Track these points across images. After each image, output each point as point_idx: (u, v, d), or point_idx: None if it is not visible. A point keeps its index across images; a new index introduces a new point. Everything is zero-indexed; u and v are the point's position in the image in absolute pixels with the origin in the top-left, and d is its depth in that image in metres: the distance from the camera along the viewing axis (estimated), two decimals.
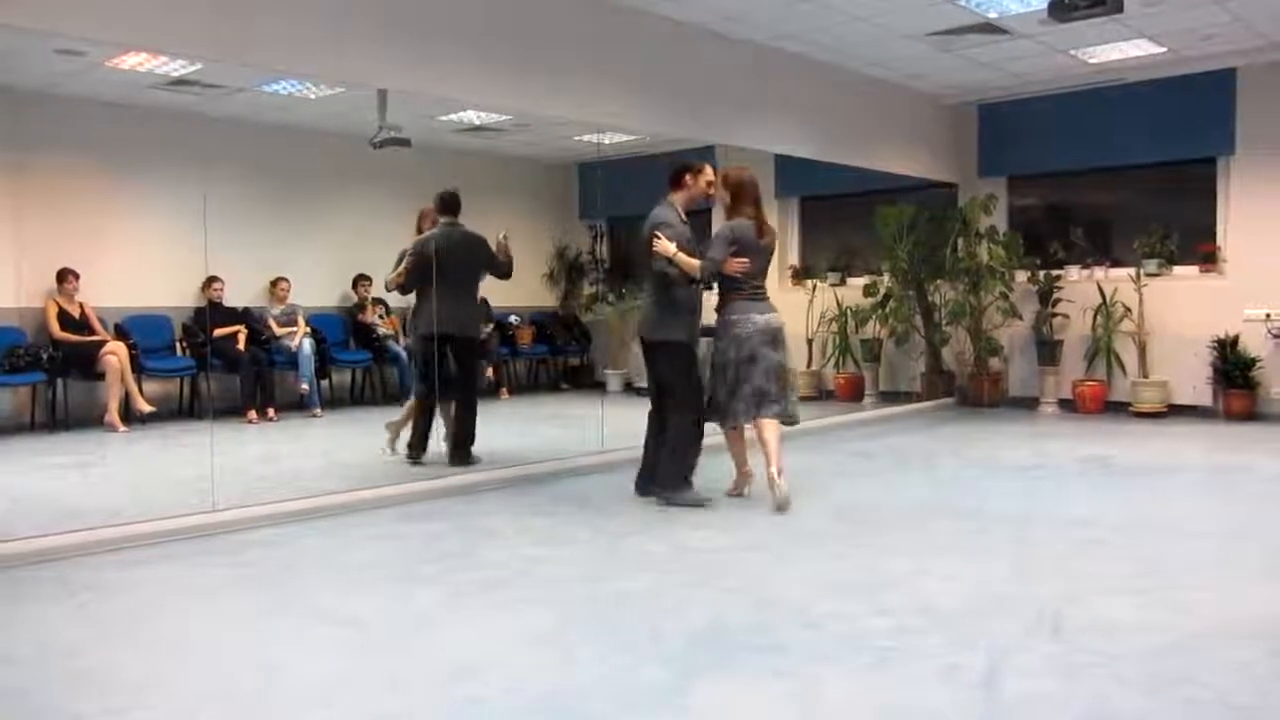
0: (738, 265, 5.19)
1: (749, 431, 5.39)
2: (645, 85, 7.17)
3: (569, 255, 12.02)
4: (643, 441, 5.60)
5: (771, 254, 5.49)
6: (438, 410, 6.60)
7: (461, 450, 6.48)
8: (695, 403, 5.39)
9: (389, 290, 6.88)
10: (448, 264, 6.36)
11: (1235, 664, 2.97)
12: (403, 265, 6.47)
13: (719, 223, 5.54)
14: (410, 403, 6.77)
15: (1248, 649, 3.09)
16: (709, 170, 5.48)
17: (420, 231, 6.64)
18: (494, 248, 6.52)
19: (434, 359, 6.39)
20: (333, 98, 8.14)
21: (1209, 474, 6.21)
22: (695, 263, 5.20)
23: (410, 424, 6.65)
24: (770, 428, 5.22)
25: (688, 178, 5.45)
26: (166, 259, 8.76)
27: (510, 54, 6.32)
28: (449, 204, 6.51)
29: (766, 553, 4.40)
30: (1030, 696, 2.77)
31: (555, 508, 5.47)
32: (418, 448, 6.56)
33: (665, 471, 5.39)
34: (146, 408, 8.21)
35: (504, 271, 6.60)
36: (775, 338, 5.30)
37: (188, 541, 4.69)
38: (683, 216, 5.42)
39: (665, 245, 5.20)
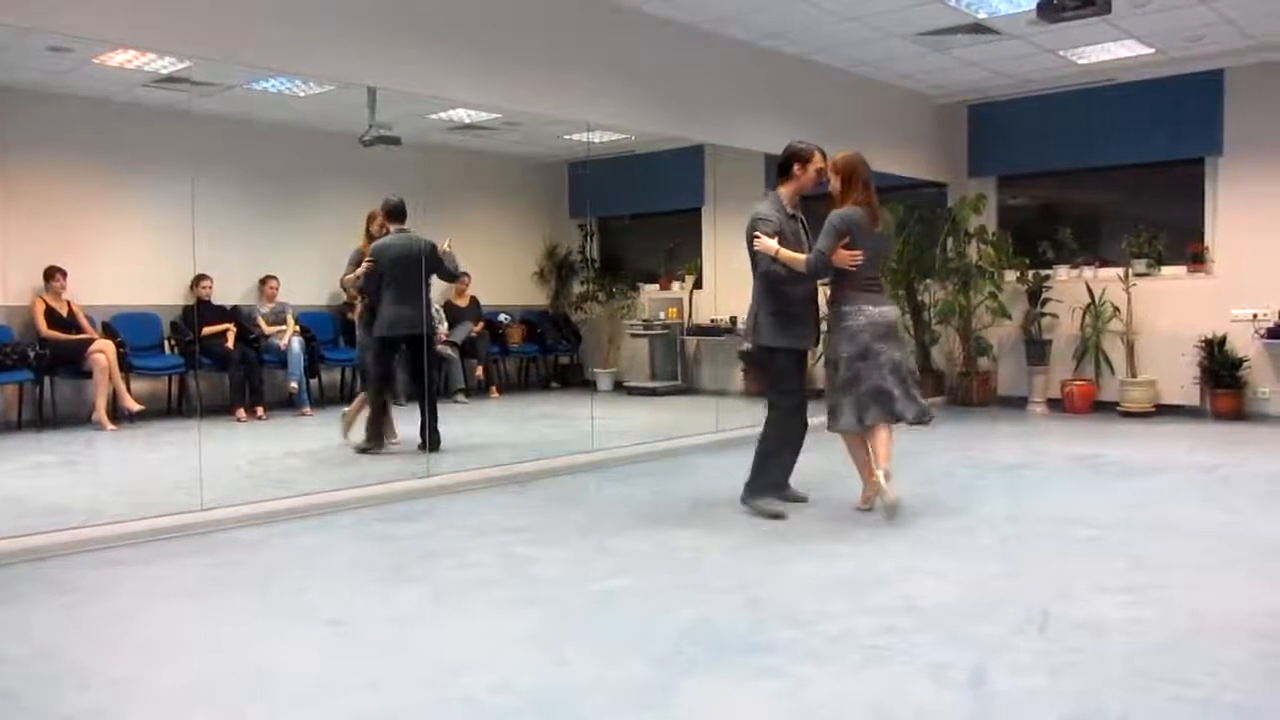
0: (848, 257, 4.79)
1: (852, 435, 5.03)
2: (636, 84, 7.17)
3: (559, 254, 12.01)
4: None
5: (886, 242, 5.09)
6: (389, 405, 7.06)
7: (435, 436, 6.73)
8: (790, 411, 5.11)
9: (345, 289, 7.20)
10: (404, 269, 6.67)
11: (1224, 663, 2.98)
12: (362, 268, 6.77)
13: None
14: (361, 396, 7.12)
15: (1237, 648, 3.10)
16: (818, 157, 5.09)
17: (369, 233, 6.97)
18: (440, 253, 6.82)
19: (391, 358, 6.88)
20: (322, 95, 8.12)
21: (1198, 473, 6.23)
22: (801, 257, 4.88)
23: (361, 416, 6.96)
24: (885, 431, 4.89)
25: (796, 167, 5.09)
26: (155, 257, 8.72)
27: (500, 52, 6.31)
28: (399, 212, 6.84)
29: (755, 552, 4.40)
30: (1018, 694, 2.78)
31: (544, 507, 5.46)
32: (374, 440, 6.83)
33: (752, 475, 5.16)
34: (134, 406, 8.18)
35: (450, 276, 7.15)
36: (890, 331, 4.93)
37: (175, 540, 4.67)
38: (790, 210, 5.11)
39: (766, 243, 4.89)
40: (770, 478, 5.16)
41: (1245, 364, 8.38)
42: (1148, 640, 3.18)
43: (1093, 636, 3.21)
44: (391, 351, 6.83)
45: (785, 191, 5.13)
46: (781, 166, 5.15)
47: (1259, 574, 3.97)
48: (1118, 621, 3.36)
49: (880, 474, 4.80)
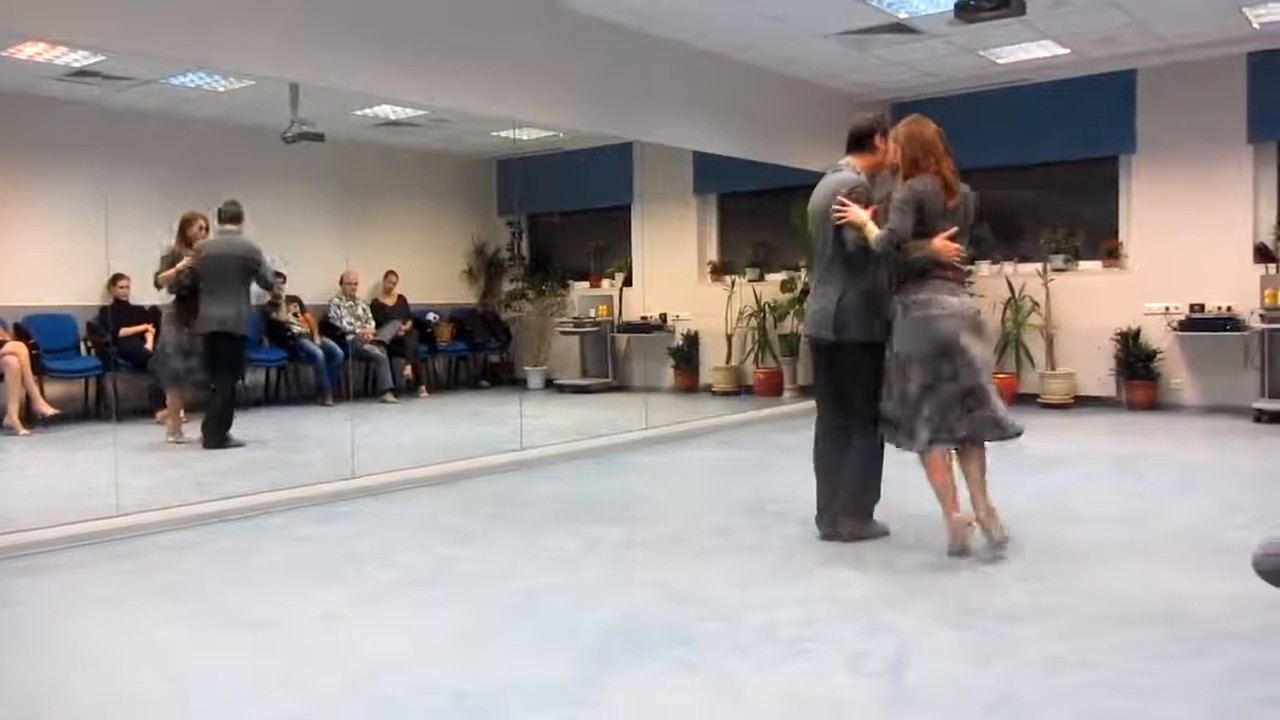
0: (942, 247, 4.16)
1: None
2: (563, 81, 7.15)
3: (488, 252, 11.93)
4: (814, 469, 4.55)
5: (967, 220, 4.41)
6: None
7: (220, 432, 7.19)
8: (874, 422, 4.35)
9: (157, 288, 7.45)
10: (223, 270, 7.17)
11: (1135, 646, 3.07)
12: (178, 266, 7.15)
13: None
14: (172, 396, 7.43)
15: (1147, 631, 3.20)
16: None
17: (185, 237, 7.28)
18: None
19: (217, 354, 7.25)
20: (242, 91, 7.95)
21: (1113, 463, 6.40)
22: (875, 234, 4.13)
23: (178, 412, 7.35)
24: (978, 456, 4.15)
25: (877, 139, 4.44)
26: (70, 256, 8.45)
27: (426, 49, 6.24)
28: (233, 214, 7.35)
29: (680, 548, 4.42)
30: (935, 682, 2.84)
31: (472, 507, 5.43)
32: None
33: (850, 502, 4.44)
34: (48, 410, 7.94)
35: (266, 285, 7.72)
36: (975, 324, 4.20)
37: (93, 547, 4.56)
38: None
39: (856, 213, 4.16)
40: (870, 498, 4.52)
41: (1159, 356, 8.64)
42: (1063, 626, 3.27)
43: (1010, 624, 3.29)
44: (212, 346, 7.24)
45: (860, 165, 4.45)
46: (857, 138, 4.48)
47: (1169, 559, 4.10)
48: (1034, 609, 3.44)
49: (985, 507, 4.11)
